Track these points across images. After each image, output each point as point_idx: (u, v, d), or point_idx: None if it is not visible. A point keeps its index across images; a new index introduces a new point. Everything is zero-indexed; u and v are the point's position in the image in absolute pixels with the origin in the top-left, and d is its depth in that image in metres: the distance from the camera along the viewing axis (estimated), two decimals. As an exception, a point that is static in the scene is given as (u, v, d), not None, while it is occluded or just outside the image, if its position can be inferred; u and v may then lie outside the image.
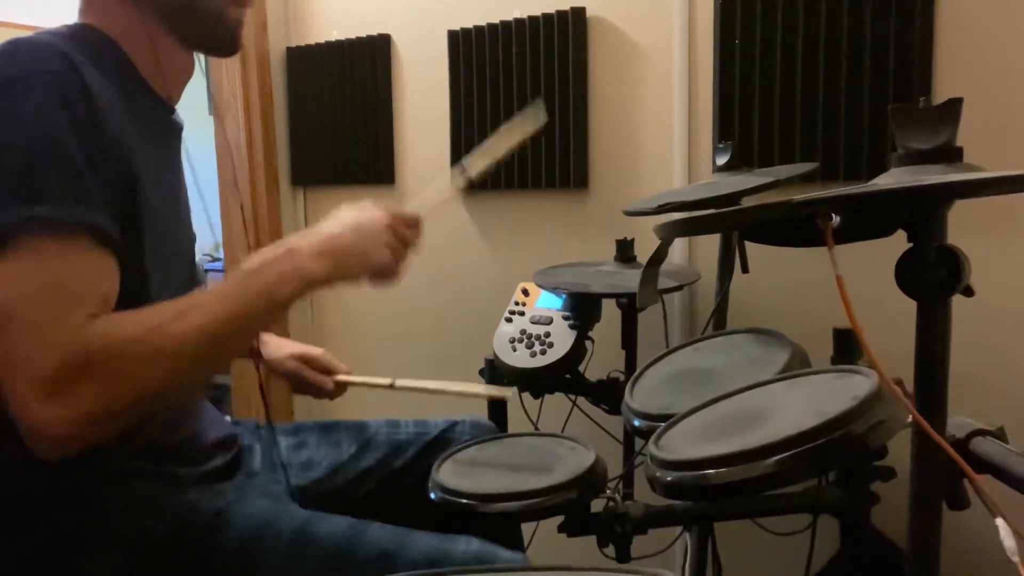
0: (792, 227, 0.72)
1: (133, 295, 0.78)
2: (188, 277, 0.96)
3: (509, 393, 1.05)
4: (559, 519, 0.95)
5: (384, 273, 0.89)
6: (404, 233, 0.91)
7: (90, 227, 0.73)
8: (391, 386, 1.11)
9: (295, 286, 0.80)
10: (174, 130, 0.97)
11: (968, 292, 0.66)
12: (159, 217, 0.84)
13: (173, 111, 0.96)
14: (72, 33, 0.83)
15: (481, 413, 1.29)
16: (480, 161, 1.07)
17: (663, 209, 1.19)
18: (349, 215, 0.88)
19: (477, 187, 1.83)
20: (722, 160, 1.32)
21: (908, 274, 0.64)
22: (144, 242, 0.81)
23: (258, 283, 0.78)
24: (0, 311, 0.69)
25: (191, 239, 1.00)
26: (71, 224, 0.72)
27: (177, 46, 0.91)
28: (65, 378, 0.68)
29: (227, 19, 0.91)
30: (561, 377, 1.39)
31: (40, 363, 0.68)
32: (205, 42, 0.93)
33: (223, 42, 0.93)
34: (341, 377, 1.18)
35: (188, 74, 0.96)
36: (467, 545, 0.85)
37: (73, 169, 0.73)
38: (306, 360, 1.17)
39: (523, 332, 1.40)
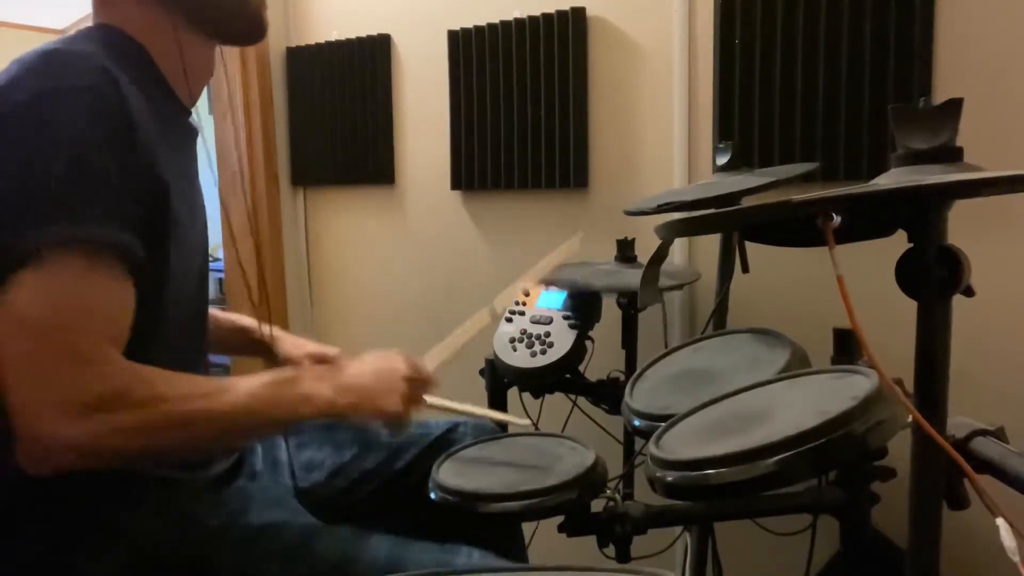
0: (792, 227, 0.72)
1: (151, 298, 0.79)
2: (200, 279, 0.96)
3: (529, 422, 1.06)
4: (559, 519, 0.95)
5: (393, 420, 0.91)
6: (418, 388, 0.93)
7: (121, 250, 0.74)
8: None
9: (315, 409, 0.84)
10: (191, 134, 0.96)
11: (968, 292, 0.66)
12: (180, 223, 0.84)
13: (191, 114, 0.95)
14: (102, 39, 0.82)
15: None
16: (508, 296, 1.13)
17: (663, 209, 1.19)
18: (375, 360, 0.92)
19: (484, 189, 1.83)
20: (722, 160, 1.32)
21: (908, 274, 0.64)
22: (169, 249, 0.82)
23: (286, 394, 0.82)
24: (29, 326, 0.70)
25: (206, 241, 1.00)
26: (103, 245, 0.72)
27: (200, 41, 0.90)
28: (92, 409, 0.70)
29: (249, 5, 0.91)
30: (561, 377, 1.38)
31: (72, 388, 0.70)
32: (229, 31, 0.93)
33: (247, 29, 0.93)
34: None
35: (210, 71, 0.95)
36: (468, 558, 0.85)
37: (107, 188, 0.73)
38: (322, 361, 1.17)
39: (523, 332, 1.40)
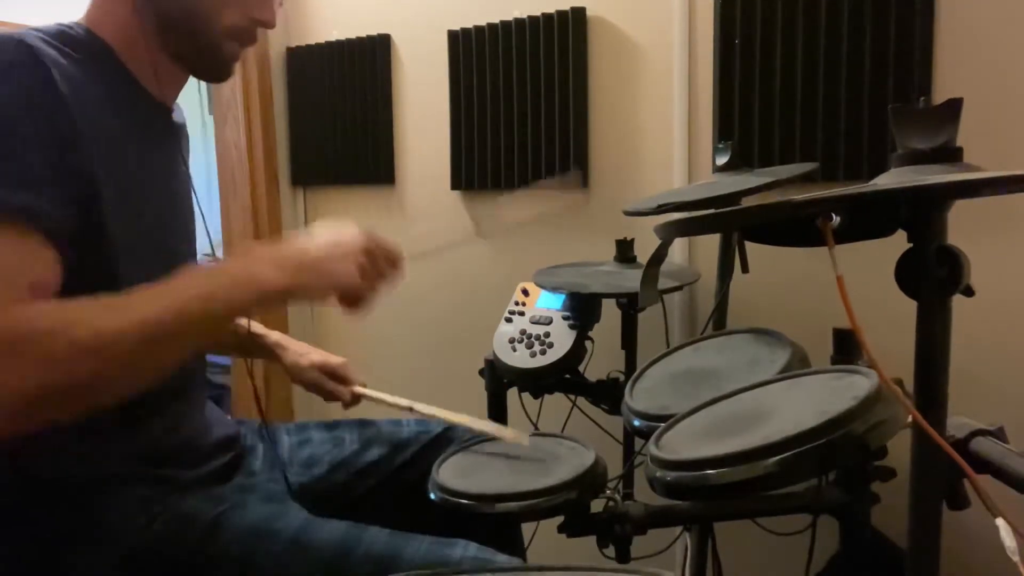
0: (792, 227, 0.72)
1: (102, 283, 0.77)
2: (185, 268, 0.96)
3: (526, 440, 1.02)
4: (559, 519, 0.95)
5: (351, 295, 0.84)
6: (381, 262, 0.85)
7: (26, 211, 0.71)
8: (410, 410, 1.11)
9: (245, 293, 0.75)
10: (171, 130, 0.96)
11: (968, 292, 0.65)
12: (140, 216, 0.84)
13: (170, 111, 0.96)
14: (59, 31, 0.83)
15: (484, 413, 1.29)
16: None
17: (663, 209, 1.19)
18: (324, 231, 0.84)
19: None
20: (722, 160, 1.32)
21: (908, 274, 0.64)
22: (114, 240, 0.81)
23: (204, 285, 0.74)
24: None
25: (187, 239, 1.00)
26: (6, 207, 0.71)
27: (168, 62, 0.91)
28: None
29: (222, 52, 0.90)
30: (561, 377, 1.38)
31: None
32: (195, 67, 0.93)
33: (212, 71, 0.93)
34: (359, 390, 1.19)
35: (182, 83, 0.96)
36: (464, 550, 0.85)
37: (19, 155, 0.72)
38: (327, 371, 1.19)
39: (523, 332, 1.40)
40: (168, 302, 0.71)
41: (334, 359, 1.20)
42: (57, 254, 0.74)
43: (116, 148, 0.82)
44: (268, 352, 1.20)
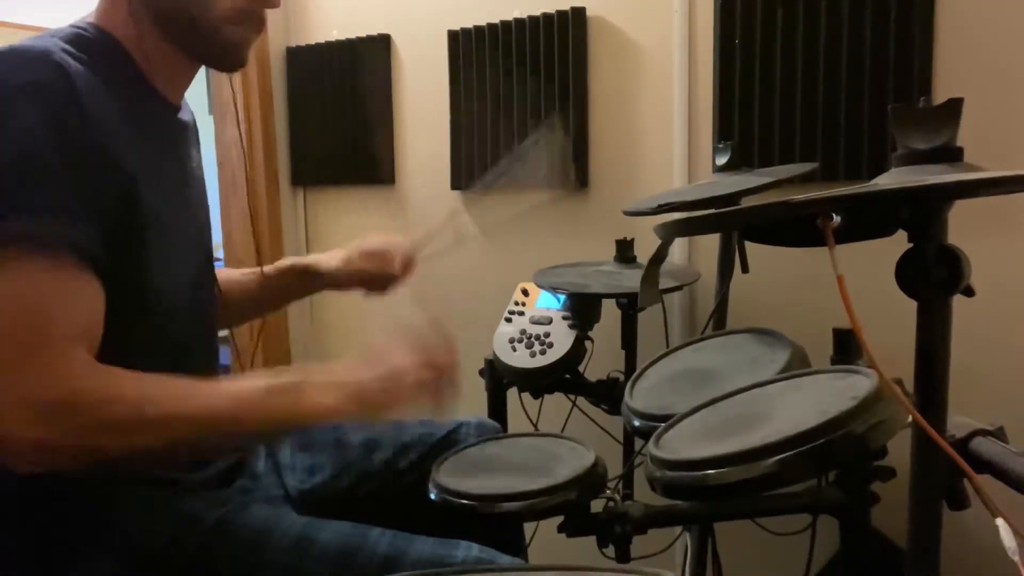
0: (792, 227, 0.72)
1: (129, 303, 0.78)
2: (197, 275, 0.95)
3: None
4: (559, 519, 0.95)
5: (429, 404, 0.87)
6: (439, 373, 0.88)
7: (74, 245, 0.72)
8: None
9: (303, 419, 0.80)
10: (180, 129, 0.96)
11: (968, 292, 0.65)
12: (160, 218, 0.84)
13: (179, 110, 0.95)
14: (74, 35, 0.82)
15: (483, 413, 1.29)
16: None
17: (663, 209, 1.19)
18: (385, 360, 0.85)
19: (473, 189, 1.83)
20: (722, 160, 1.32)
21: (908, 274, 0.64)
22: (145, 243, 0.81)
23: (279, 404, 0.77)
24: None
25: (202, 237, 0.99)
26: (55, 240, 0.71)
27: (176, 54, 0.90)
28: (51, 412, 0.68)
29: (225, 37, 0.88)
30: (561, 377, 1.38)
31: (31, 389, 0.68)
32: (203, 56, 0.92)
33: (222, 59, 0.91)
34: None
35: (187, 80, 0.95)
36: (467, 551, 0.85)
37: (58, 186, 0.72)
38: (376, 258, 1.20)
39: (523, 332, 1.40)
40: (228, 403, 0.76)
41: (369, 242, 1.19)
42: (102, 291, 0.75)
43: (140, 160, 0.81)
44: (303, 277, 1.18)
